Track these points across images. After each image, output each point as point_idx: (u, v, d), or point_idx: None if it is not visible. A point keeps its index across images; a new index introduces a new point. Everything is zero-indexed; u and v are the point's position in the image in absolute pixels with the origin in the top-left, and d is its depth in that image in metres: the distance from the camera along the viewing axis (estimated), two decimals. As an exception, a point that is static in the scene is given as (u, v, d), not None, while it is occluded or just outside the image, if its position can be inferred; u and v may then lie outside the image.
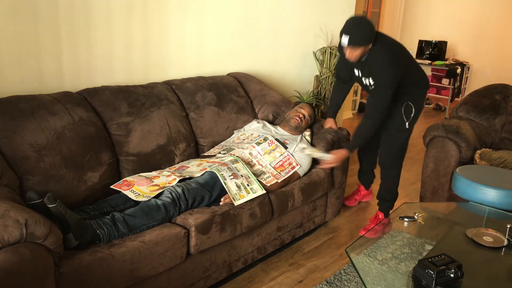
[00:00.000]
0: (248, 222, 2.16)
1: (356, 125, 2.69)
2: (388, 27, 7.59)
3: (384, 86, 2.41)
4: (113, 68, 2.56)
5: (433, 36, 7.57)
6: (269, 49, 3.55)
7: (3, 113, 1.91)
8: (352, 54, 2.37)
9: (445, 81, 7.25)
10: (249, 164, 2.44)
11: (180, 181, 2.12)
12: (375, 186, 3.20)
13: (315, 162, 2.72)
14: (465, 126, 2.86)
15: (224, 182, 2.14)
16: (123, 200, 2.04)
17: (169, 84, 2.70)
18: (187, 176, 2.18)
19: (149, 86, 2.55)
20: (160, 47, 2.76)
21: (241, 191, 2.17)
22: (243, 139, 2.65)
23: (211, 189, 2.14)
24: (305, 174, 2.60)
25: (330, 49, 3.88)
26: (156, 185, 2.08)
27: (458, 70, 6.59)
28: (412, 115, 2.62)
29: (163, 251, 1.82)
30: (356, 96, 6.08)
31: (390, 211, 2.88)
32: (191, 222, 1.93)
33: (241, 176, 2.24)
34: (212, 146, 2.69)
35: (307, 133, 2.82)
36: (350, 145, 2.62)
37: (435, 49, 7.01)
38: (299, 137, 2.74)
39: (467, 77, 7.28)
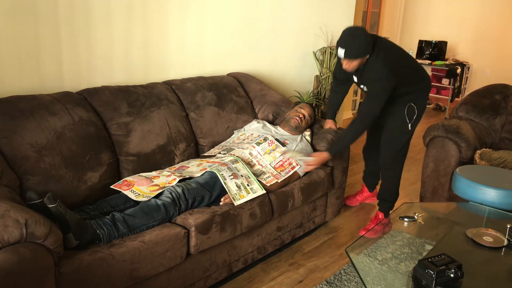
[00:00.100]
0: (248, 222, 2.16)
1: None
2: (388, 27, 7.59)
3: (375, 98, 2.43)
4: (113, 68, 2.56)
5: (433, 36, 7.57)
6: (269, 49, 3.55)
7: (3, 113, 1.91)
8: (349, 65, 2.39)
9: (445, 81, 7.25)
10: (249, 164, 2.44)
11: (180, 181, 2.12)
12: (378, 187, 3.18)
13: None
14: (465, 126, 2.86)
15: (224, 182, 2.14)
16: (123, 200, 2.04)
17: (169, 84, 2.70)
18: (187, 176, 2.18)
19: (149, 86, 2.55)
20: (160, 47, 2.76)
21: (241, 191, 2.17)
22: (243, 139, 2.65)
23: (211, 189, 2.14)
24: (305, 174, 2.60)
25: (330, 49, 3.88)
26: (156, 185, 2.09)
27: (458, 70, 6.59)
28: (414, 117, 2.61)
29: (163, 251, 1.82)
30: (356, 96, 6.08)
31: (390, 211, 2.87)
32: (191, 222, 1.93)
33: (241, 176, 2.24)
34: (212, 146, 2.69)
35: (307, 133, 2.82)
36: (332, 149, 2.60)
37: (435, 49, 7.01)
38: (299, 137, 2.74)
39: (467, 77, 7.28)
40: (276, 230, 2.44)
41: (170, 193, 2.00)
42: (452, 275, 1.51)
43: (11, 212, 1.42)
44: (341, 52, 2.32)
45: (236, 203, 2.12)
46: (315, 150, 2.74)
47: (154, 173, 2.22)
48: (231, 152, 2.50)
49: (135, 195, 2.00)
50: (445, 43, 7.01)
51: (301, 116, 2.75)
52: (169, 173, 2.20)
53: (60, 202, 1.65)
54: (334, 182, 2.78)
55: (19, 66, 2.17)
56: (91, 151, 2.11)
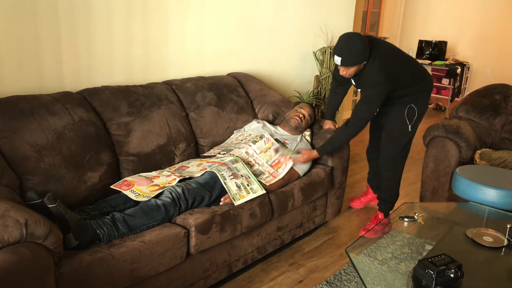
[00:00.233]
0: (248, 222, 2.16)
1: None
2: (388, 27, 7.59)
3: (369, 104, 2.44)
4: (113, 68, 2.56)
5: (433, 36, 7.57)
6: (269, 49, 3.55)
7: (3, 113, 1.91)
8: (346, 72, 2.39)
9: (445, 81, 7.25)
10: (248, 164, 2.44)
11: (180, 181, 2.12)
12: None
13: (315, 162, 2.72)
14: (465, 126, 2.86)
15: (224, 182, 2.14)
16: (123, 200, 2.04)
17: (169, 84, 2.70)
18: (187, 176, 2.18)
19: (149, 86, 2.55)
20: (160, 47, 2.76)
21: (241, 191, 2.17)
22: (241, 140, 2.65)
23: (211, 189, 2.14)
24: (305, 174, 2.60)
25: (330, 49, 3.88)
26: (156, 185, 2.09)
27: (458, 70, 6.59)
28: (415, 118, 2.60)
29: (163, 251, 1.82)
30: (356, 96, 6.08)
31: (390, 211, 2.87)
32: (191, 222, 1.93)
33: (241, 176, 2.24)
34: (212, 146, 2.69)
35: (307, 133, 2.82)
36: (323, 149, 2.61)
37: (435, 49, 7.02)
38: (299, 137, 2.74)
39: (467, 77, 7.28)
40: (276, 230, 2.44)
41: (170, 193, 2.00)
42: (452, 275, 1.51)
43: (11, 212, 1.42)
44: (337, 59, 2.34)
45: (236, 203, 2.12)
46: (315, 150, 2.73)
47: (154, 173, 2.22)
48: (230, 153, 2.50)
49: (135, 195, 2.00)
50: (445, 43, 7.01)
51: (301, 116, 2.75)
52: (169, 173, 2.20)
53: (60, 202, 1.65)
54: (334, 182, 2.78)
55: (19, 66, 2.17)
56: (91, 151, 2.11)
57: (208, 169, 2.21)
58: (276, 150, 2.54)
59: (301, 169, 2.56)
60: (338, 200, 2.87)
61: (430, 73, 7.41)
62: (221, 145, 2.70)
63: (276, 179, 2.39)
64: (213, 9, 3.02)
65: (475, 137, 2.83)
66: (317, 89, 3.96)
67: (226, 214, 2.05)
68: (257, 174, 2.39)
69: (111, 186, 2.10)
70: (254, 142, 2.55)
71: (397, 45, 7.22)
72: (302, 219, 2.62)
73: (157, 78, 2.78)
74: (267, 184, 2.34)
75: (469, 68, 7.28)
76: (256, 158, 2.48)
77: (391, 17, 7.71)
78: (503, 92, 3.13)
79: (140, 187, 2.05)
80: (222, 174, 2.16)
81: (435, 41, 7.06)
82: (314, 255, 2.60)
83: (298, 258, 2.56)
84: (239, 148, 2.53)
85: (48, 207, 1.62)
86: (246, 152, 2.49)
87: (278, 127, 2.81)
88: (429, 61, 6.81)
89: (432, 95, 7.44)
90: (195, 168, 2.31)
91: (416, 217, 2.14)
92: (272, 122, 2.96)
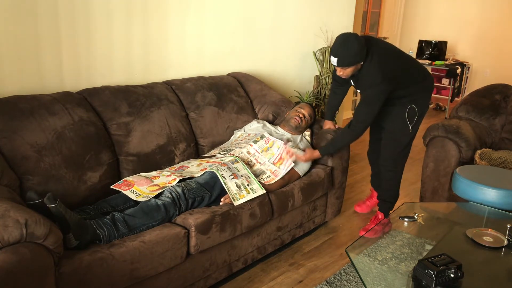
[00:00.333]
0: (248, 222, 2.16)
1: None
2: (388, 27, 7.59)
3: (369, 106, 2.44)
4: (113, 68, 2.56)
5: (433, 36, 7.57)
6: (269, 49, 3.55)
7: (3, 113, 1.91)
8: (343, 72, 2.39)
9: (445, 81, 7.25)
10: (249, 164, 2.44)
11: (180, 181, 2.12)
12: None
13: (315, 162, 2.72)
14: (465, 126, 2.86)
15: (224, 182, 2.14)
16: (123, 200, 2.04)
17: (169, 84, 2.70)
18: (187, 176, 2.18)
19: (149, 86, 2.56)
20: (160, 47, 2.76)
21: (241, 191, 2.17)
22: (241, 140, 2.65)
23: (211, 189, 2.14)
24: (305, 174, 2.60)
25: (330, 49, 3.88)
26: (156, 185, 2.09)
27: (458, 70, 6.59)
28: (415, 119, 2.59)
29: (163, 251, 1.82)
30: (356, 96, 6.08)
31: (390, 211, 2.87)
32: (191, 222, 1.93)
33: (241, 176, 2.24)
34: (212, 146, 2.69)
35: (307, 133, 2.82)
36: (324, 149, 2.61)
37: (435, 49, 7.02)
38: (299, 137, 2.74)
39: (467, 77, 7.28)
40: (276, 230, 2.44)
41: (170, 193, 2.00)
42: (452, 275, 1.52)
43: (11, 212, 1.42)
44: (334, 60, 2.33)
45: (236, 203, 2.11)
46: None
47: (154, 173, 2.22)
48: (230, 153, 2.50)
49: (135, 195, 2.00)
50: (445, 43, 7.01)
51: (301, 116, 2.75)
52: (169, 173, 2.20)
53: (60, 202, 1.65)
54: (334, 182, 2.78)
55: (19, 66, 2.17)
56: (91, 151, 2.11)
57: (208, 169, 2.21)
58: (288, 140, 2.56)
59: (301, 169, 2.56)
60: (338, 200, 2.87)
61: (430, 73, 7.41)
62: (222, 146, 2.70)
63: (277, 178, 2.39)
64: (213, 9, 3.02)
65: (475, 137, 2.83)
66: (317, 89, 3.96)
67: (226, 214, 2.05)
68: (257, 174, 2.39)
69: (111, 186, 2.10)
70: (255, 141, 2.55)
71: (397, 45, 7.23)
72: (302, 219, 2.62)
73: (157, 78, 2.78)
74: (267, 184, 2.34)
75: (469, 68, 7.28)
76: (258, 158, 2.48)
77: (391, 17, 7.71)
78: (503, 92, 3.13)
79: (140, 187, 2.05)
80: (222, 174, 2.16)
81: (435, 41, 7.06)
82: (314, 255, 2.60)
83: (298, 258, 2.56)
84: (239, 148, 2.53)
85: (48, 207, 1.62)
86: (248, 152, 2.49)
87: (278, 127, 2.81)
88: (429, 61, 6.81)
89: (432, 95, 7.47)
90: (195, 168, 2.31)
91: (416, 217, 2.14)
92: (272, 122, 2.96)
